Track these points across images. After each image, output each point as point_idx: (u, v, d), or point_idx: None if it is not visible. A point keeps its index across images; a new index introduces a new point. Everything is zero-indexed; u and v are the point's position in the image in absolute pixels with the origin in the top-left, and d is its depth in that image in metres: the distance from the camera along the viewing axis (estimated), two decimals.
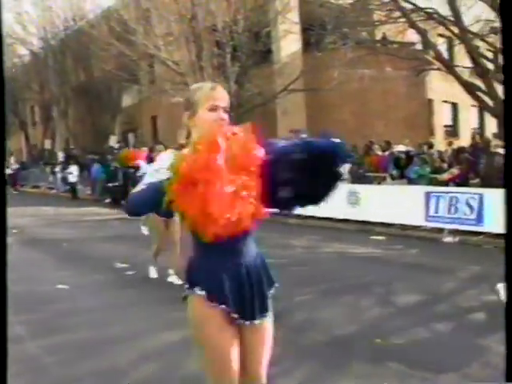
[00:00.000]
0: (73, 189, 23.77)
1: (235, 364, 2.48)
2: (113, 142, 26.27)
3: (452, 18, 13.79)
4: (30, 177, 30.78)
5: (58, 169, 26.72)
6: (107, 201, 20.77)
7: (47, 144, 33.40)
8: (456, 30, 14.11)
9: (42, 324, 5.76)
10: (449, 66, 15.01)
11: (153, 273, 7.72)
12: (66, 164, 25.98)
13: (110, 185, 20.10)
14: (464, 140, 21.11)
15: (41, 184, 29.06)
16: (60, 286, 7.23)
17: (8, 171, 21.42)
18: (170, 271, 7.47)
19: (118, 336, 5.26)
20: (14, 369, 4.53)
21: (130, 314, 6.01)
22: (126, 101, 30.73)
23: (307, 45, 20.83)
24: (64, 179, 25.48)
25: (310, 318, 5.75)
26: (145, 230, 8.24)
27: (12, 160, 27.77)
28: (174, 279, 7.32)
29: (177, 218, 6.46)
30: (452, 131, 26.25)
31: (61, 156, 28.37)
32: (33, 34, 31.56)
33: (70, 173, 23.77)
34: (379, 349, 4.78)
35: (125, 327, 5.54)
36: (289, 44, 21.61)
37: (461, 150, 12.98)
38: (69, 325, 5.65)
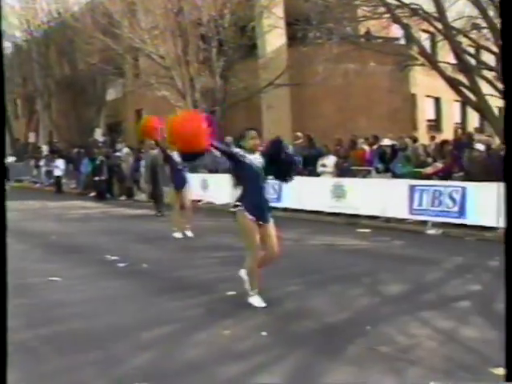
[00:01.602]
0: (58, 182, 23.70)
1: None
2: (98, 135, 26.23)
3: (436, 14, 13.98)
4: (13, 171, 30.53)
5: (42, 162, 26.58)
6: (92, 194, 20.76)
7: (31, 137, 33.19)
8: (440, 26, 14.30)
9: (37, 315, 5.82)
10: (432, 62, 15.22)
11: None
12: (50, 158, 25.86)
13: (96, 178, 20.08)
14: (447, 134, 21.38)
15: (24, 178, 28.86)
16: (52, 278, 7.30)
17: None
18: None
19: (112, 326, 5.35)
20: (10, 358, 4.65)
21: (124, 305, 6.10)
22: (111, 94, 30.63)
23: (292, 39, 20.96)
24: (48, 173, 25.38)
25: (299, 307, 5.90)
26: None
27: None
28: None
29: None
30: (435, 125, 26.56)
31: (45, 149, 28.21)
32: (16, 26, 31.26)
33: (56, 166, 23.69)
34: (369, 335, 4.95)
35: (119, 318, 5.63)
36: (274, 39, 21.73)
37: (444, 143, 13.19)
38: (63, 315, 5.72)
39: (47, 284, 7.10)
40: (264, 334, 5.04)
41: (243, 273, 5.99)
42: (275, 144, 5.88)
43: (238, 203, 5.83)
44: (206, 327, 5.30)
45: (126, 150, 21.22)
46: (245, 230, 5.77)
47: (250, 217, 5.70)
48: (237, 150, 5.93)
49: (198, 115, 5.61)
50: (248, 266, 5.90)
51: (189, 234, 10.83)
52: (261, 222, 5.77)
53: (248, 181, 5.80)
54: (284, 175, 5.91)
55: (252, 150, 5.80)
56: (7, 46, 33.76)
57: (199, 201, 16.47)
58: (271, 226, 5.86)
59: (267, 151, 5.81)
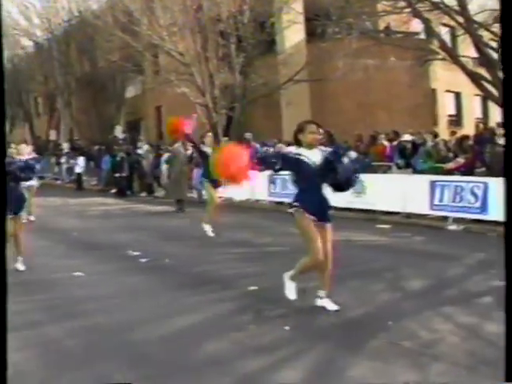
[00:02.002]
0: (79, 179, 23.91)
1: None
2: (118, 132, 26.40)
3: (457, 8, 13.85)
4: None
5: (63, 160, 26.82)
6: (113, 191, 20.91)
7: (52, 135, 33.51)
8: (461, 20, 14.17)
9: (61, 309, 5.90)
10: (453, 56, 15.08)
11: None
12: (71, 155, 26.09)
13: (117, 175, 20.23)
14: (467, 129, 21.19)
15: (46, 175, 29.15)
16: (76, 274, 7.38)
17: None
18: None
19: (135, 321, 5.41)
20: (35, 351, 4.74)
21: (146, 300, 6.16)
22: (130, 91, 30.80)
23: (311, 35, 20.91)
24: (69, 170, 25.61)
25: None
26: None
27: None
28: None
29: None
30: (455, 121, 26.32)
31: (66, 147, 28.46)
32: (37, 25, 31.57)
33: (77, 163, 23.91)
34: (391, 330, 4.95)
35: (141, 312, 5.69)
36: (293, 34, 21.67)
37: (464, 138, 13.08)
38: (87, 310, 5.79)
39: (71, 279, 7.19)
40: (286, 328, 5.06)
41: (287, 277, 5.77)
42: (333, 155, 5.33)
43: (295, 203, 5.48)
44: (227, 321, 5.34)
45: (146, 146, 21.34)
46: (306, 233, 5.41)
47: (311, 217, 5.36)
48: (289, 149, 5.86)
49: (240, 152, 5.40)
50: (302, 266, 5.62)
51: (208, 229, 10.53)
52: (321, 222, 5.41)
53: (306, 179, 5.41)
54: (337, 188, 5.49)
55: (310, 145, 5.42)
56: (29, 44, 34.18)
57: (220, 197, 16.51)
58: (329, 230, 5.50)
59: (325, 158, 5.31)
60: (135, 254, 8.66)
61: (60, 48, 30.50)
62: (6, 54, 35.55)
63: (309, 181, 5.39)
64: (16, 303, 6.21)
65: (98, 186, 23.59)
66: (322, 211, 5.44)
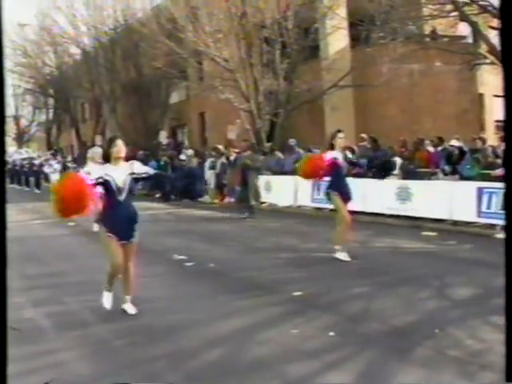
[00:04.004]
0: None
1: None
2: (162, 137, 26.77)
3: None
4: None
5: None
6: (157, 195, 21.21)
7: (98, 140, 34.17)
8: None
9: (111, 310, 6.04)
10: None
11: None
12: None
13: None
14: None
15: None
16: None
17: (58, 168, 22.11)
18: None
19: (184, 323, 5.50)
20: (83, 351, 4.87)
21: (194, 303, 6.26)
22: (175, 97, 31.21)
23: (356, 40, 20.80)
24: None
25: (367, 308, 5.89)
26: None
27: (59, 155, 28.51)
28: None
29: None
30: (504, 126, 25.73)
31: None
32: (84, 33, 32.36)
33: None
34: (438, 338, 4.90)
35: (190, 315, 5.78)
36: (337, 40, 21.59)
37: None
38: (136, 312, 5.92)
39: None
40: (332, 334, 5.06)
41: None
42: None
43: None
44: (274, 326, 5.37)
45: (189, 151, 21.60)
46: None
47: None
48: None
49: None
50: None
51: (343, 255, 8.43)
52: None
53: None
54: None
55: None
56: (76, 52, 35.02)
57: (263, 203, 16.61)
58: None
59: None
60: (181, 257, 8.78)
61: (106, 55, 31.16)
62: (54, 61, 36.64)
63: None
64: (65, 304, 6.42)
65: (143, 190, 23.96)
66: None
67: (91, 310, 6.09)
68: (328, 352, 4.69)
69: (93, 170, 5.99)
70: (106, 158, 5.78)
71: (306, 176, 8.68)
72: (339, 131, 8.51)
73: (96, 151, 11.27)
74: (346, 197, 8.42)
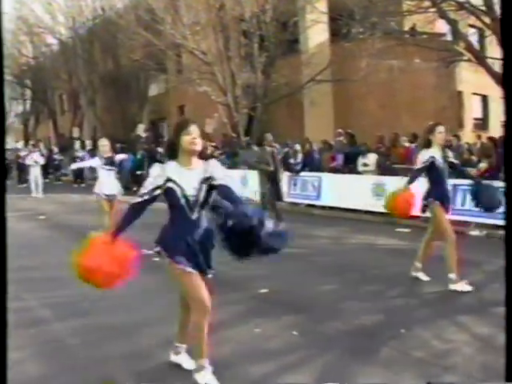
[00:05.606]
0: None
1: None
2: (140, 130, 26.43)
3: (484, 8, 13.54)
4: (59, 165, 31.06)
5: (86, 157, 26.96)
6: (134, 189, 20.92)
7: (75, 132, 33.75)
8: (488, 21, 13.85)
9: (68, 307, 5.87)
10: (479, 57, 14.76)
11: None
12: (92, 153, 26.20)
13: (138, 173, 20.25)
14: (494, 134, 20.77)
15: (67, 172, 29.32)
16: None
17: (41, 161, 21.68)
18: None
19: (140, 321, 5.34)
20: (37, 349, 4.68)
21: (153, 300, 6.09)
22: (154, 90, 30.89)
23: (335, 35, 20.72)
24: (91, 167, 25.69)
25: (333, 307, 5.77)
26: None
27: (42, 147, 27.86)
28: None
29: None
30: (482, 124, 25.85)
31: (89, 144, 28.64)
32: (61, 24, 31.87)
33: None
34: (403, 338, 4.78)
35: (147, 313, 5.62)
36: (317, 34, 21.49)
37: (492, 140, 12.77)
38: (93, 309, 5.74)
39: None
40: (295, 333, 4.93)
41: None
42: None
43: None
44: (236, 325, 5.23)
45: None
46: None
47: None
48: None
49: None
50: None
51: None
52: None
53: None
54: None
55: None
56: (54, 42, 34.51)
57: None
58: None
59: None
60: (149, 252, 8.57)
61: (84, 46, 30.74)
62: (31, 52, 36.09)
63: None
64: (24, 300, 6.20)
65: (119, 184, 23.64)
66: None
67: (50, 307, 5.91)
68: (289, 352, 4.56)
69: (153, 177, 3.90)
70: (172, 153, 3.90)
71: (396, 214, 7.24)
72: (438, 125, 6.71)
73: (103, 143, 10.00)
74: (447, 206, 6.73)
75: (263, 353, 4.52)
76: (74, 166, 14.26)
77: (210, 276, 4.17)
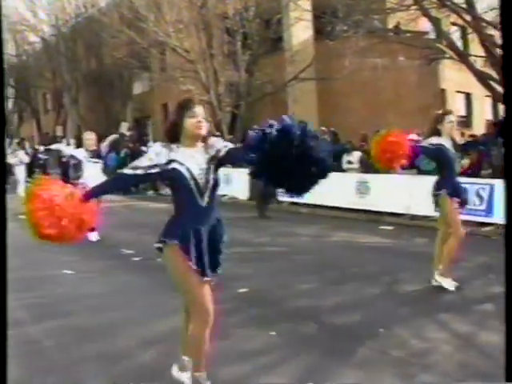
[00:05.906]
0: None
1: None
2: (124, 128, 26.26)
3: (465, 6, 13.57)
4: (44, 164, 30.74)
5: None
6: None
7: (59, 131, 33.45)
8: (469, 19, 13.88)
9: (45, 308, 5.78)
10: (462, 55, 14.80)
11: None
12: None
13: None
14: (477, 131, 20.86)
15: (52, 171, 29.06)
16: (65, 271, 7.23)
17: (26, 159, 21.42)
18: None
19: (118, 322, 5.25)
20: (13, 351, 4.56)
21: (134, 300, 6.00)
22: (138, 88, 30.70)
23: (318, 33, 20.66)
24: (75, 166, 25.49)
25: (312, 306, 5.71)
26: None
27: (27, 146, 27.55)
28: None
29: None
30: (465, 122, 25.95)
31: (73, 143, 28.37)
32: (44, 21, 31.57)
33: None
34: (382, 338, 4.73)
35: (127, 313, 5.53)
36: (300, 32, 21.43)
37: (473, 138, 12.82)
38: (71, 310, 5.66)
39: (59, 277, 7.05)
40: (273, 333, 4.87)
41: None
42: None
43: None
44: (214, 325, 5.14)
45: (152, 143, 21.23)
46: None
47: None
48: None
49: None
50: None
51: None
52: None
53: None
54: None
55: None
56: (37, 40, 34.17)
57: (224, 195, 16.34)
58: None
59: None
60: (128, 252, 8.50)
61: (67, 44, 30.49)
62: (14, 50, 35.69)
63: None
64: None
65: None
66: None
67: (27, 308, 5.79)
68: (266, 353, 4.50)
69: (154, 154, 3.36)
70: (173, 136, 3.42)
71: (380, 161, 5.94)
72: (447, 113, 6.14)
73: (88, 137, 9.97)
74: (460, 199, 6.17)
75: (238, 354, 4.45)
76: (53, 147, 14.31)
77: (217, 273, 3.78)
